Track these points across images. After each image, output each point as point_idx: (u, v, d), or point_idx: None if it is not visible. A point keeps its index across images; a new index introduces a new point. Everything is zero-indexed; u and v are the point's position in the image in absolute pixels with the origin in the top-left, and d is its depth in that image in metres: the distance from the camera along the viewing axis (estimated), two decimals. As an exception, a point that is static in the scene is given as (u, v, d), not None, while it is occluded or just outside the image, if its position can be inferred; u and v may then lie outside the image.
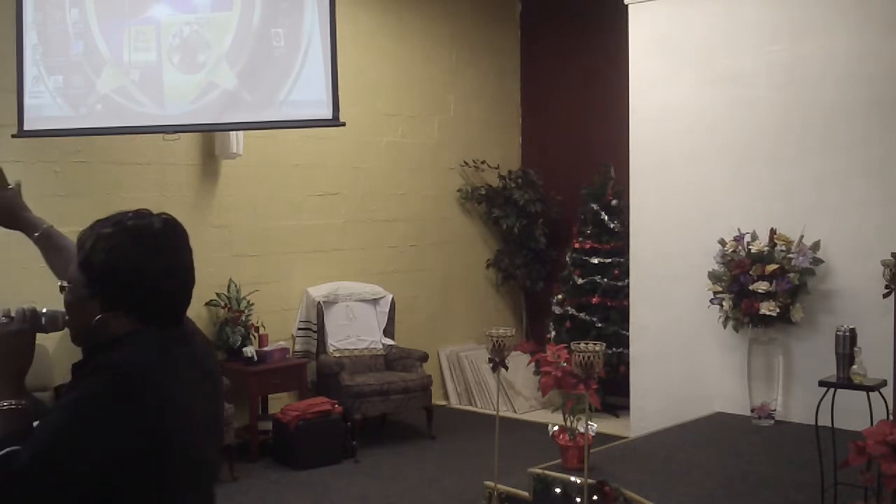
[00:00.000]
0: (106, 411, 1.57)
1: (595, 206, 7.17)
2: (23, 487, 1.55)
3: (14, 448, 1.58)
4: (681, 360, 6.03)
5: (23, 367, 1.73)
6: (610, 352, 6.62)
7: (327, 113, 5.15)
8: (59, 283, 1.79)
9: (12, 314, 1.75)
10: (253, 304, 6.32)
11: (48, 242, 2.20)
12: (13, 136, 5.30)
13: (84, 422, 1.57)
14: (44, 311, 1.79)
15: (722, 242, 5.63)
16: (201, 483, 1.76)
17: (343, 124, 5.27)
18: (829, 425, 3.83)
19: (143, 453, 1.59)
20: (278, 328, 6.63)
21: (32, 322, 1.76)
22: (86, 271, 1.70)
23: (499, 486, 4.42)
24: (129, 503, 1.61)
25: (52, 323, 1.80)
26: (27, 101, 5.28)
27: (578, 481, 4.17)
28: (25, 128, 5.31)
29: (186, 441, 1.66)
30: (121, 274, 1.68)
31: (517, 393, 7.51)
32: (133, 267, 1.68)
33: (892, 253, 4.49)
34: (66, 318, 1.78)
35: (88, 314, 1.70)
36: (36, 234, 2.22)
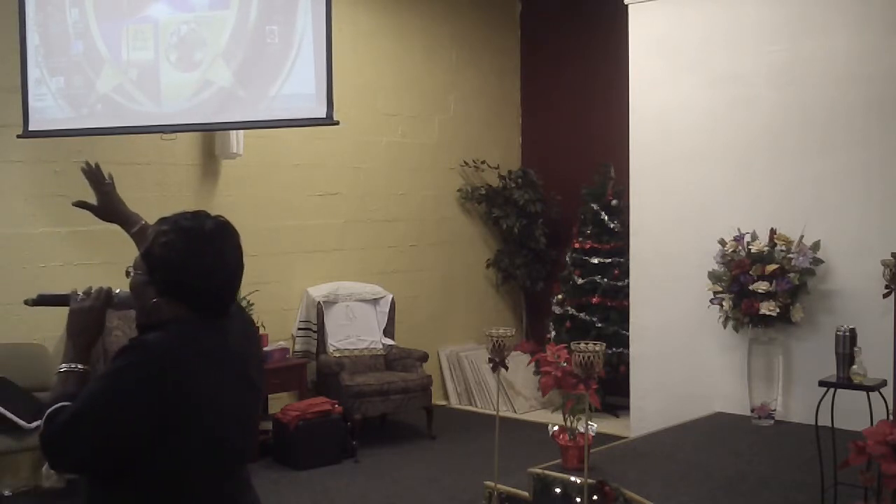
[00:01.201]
0: (129, 385, 1.79)
1: (595, 206, 7.17)
2: (59, 441, 1.82)
3: (65, 404, 1.84)
4: (681, 360, 6.03)
5: (93, 338, 2.02)
6: (610, 352, 6.62)
7: (321, 110, 5.14)
8: (126, 268, 2.01)
9: (89, 293, 2.03)
10: (253, 304, 6.31)
11: (144, 237, 2.33)
12: (18, 136, 5.31)
13: (110, 392, 1.80)
14: (117, 291, 2.05)
15: (722, 242, 5.63)
16: (224, 462, 1.92)
17: (337, 123, 5.26)
18: (829, 425, 3.83)
19: (160, 427, 1.79)
20: (278, 328, 6.62)
21: (105, 300, 2.03)
22: (146, 260, 1.93)
23: (499, 486, 4.42)
24: (148, 472, 1.81)
25: (124, 303, 2.04)
26: (32, 103, 5.31)
27: (578, 481, 4.17)
28: (30, 129, 5.32)
29: (206, 420, 1.84)
30: (171, 267, 1.89)
31: (517, 393, 7.51)
32: (182, 262, 1.89)
33: (892, 253, 4.49)
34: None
35: (147, 297, 1.92)
36: (133, 230, 2.47)
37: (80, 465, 1.87)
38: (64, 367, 1.95)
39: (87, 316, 2.01)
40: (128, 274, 1.99)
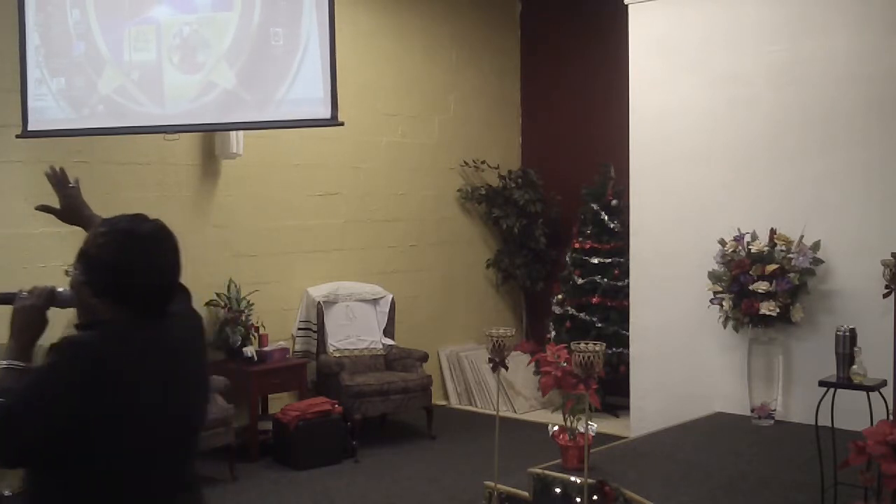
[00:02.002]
0: (58, 382, 1.84)
1: (595, 206, 7.17)
2: None
3: (2, 400, 1.86)
4: (681, 360, 6.03)
5: (34, 336, 2.03)
6: (610, 352, 6.62)
7: (326, 112, 5.15)
8: (65, 268, 2.05)
9: (33, 291, 2.05)
10: (253, 304, 6.32)
11: None
12: (17, 136, 5.30)
13: (40, 389, 1.85)
14: (61, 290, 2.06)
15: (722, 242, 5.63)
16: (155, 460, 1.94)
17: (342, 124, 5.27)
18: (829, 425, 3.83)
19: (89, 423, 1.82)
20: (278, 328, 6.63)
21: (47, 299, 2.05)
22: (81, 260, 1.98)
23: (499, 486, 4.42)
24: (79, 467, 1.85)
25: (66, 301, 2.05)
26: (31, 103, 5.29)
27: (578, 481, 4.17)
28: (29, 129, 5.32)
29: (134, 418, 1.87)
30: (105, 268, 1.94)
31: (517, 393, 7.51)
32: (115, 263, 1.94)
33: (892, 253, 4.50)
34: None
35: (84, 297, 1.97)
36: None
37: (15, 460, 1.92)
38: (4, 363, 1.98)
39: (29, 314, 2.03)
40: (67, 273, 2.04)
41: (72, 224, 2.55)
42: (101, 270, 1.94)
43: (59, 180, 2.57)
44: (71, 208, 2.54)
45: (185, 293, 2.19)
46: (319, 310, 6.71)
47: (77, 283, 1.98)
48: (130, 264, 1.94)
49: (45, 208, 2.59)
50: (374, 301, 6.99)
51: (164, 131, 5.43)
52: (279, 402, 6.41)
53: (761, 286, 5.36)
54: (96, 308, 1.94)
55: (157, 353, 1.95)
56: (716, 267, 5.63)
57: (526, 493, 4.44)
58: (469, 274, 8.14)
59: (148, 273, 1.95)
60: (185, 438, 2.04)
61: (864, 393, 3.93)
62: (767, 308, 5.35)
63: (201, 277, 6.25)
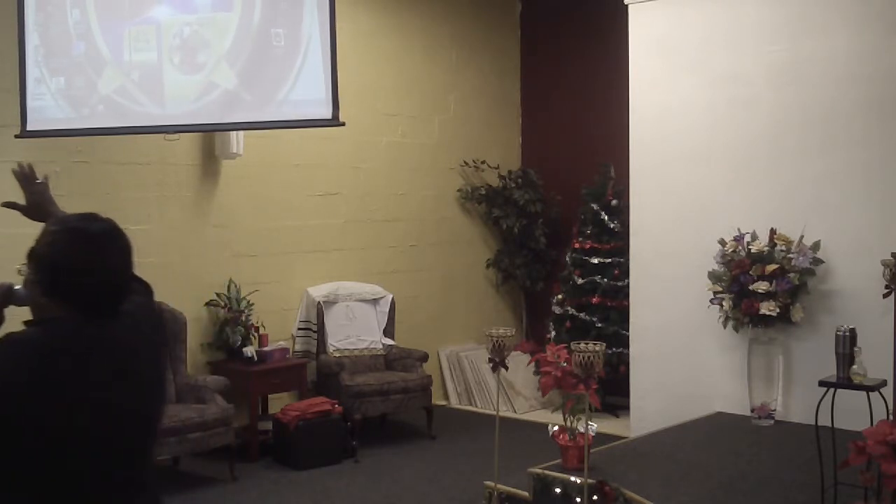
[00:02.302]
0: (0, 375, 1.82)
1: (595, 206, 7.17)
2: None
3: None
4: (681, 360, 6.04)
5: None
6: (610, 352, 6.62)
7: (327, 112, 5.15)
8: (18, 266, 2.05)
9: None
10: (253, 304, 6.32)
11: None
12: (16, 136, 5.30)
13: None
14: (17, 287, 2.05)
15: (722, 242, 5.63)
16: (97, 462, 1.90)
17: (343, 124, 5.27)
18: (829, 425, 3.84)
19: (28, 417, 1.79)
20: (278, 328, 6.63)
21: (3, 296, 2.04)
22: (30, 258, 1.97)
23: (499, 486, 4.42)
24: (18, 467, 1.81)
25: (23, 299, 2.03)
26: (30, 102, 5.29)
27: (578, 481, 4.17)
28: (28, 128, 5.31)
29: (73, 418, 1.83)
30: (53, 266, 1.93)
31: (517, 393, 7.51)
32: (63, 262, 1.92)
33: (892, 253, 4.50)
34: None
35: (36, 295, 1.96)
36: None
37: None
38: None
39: None
40: (19, 272, 2.03)
41: (39, 221, 2.46)
42: (49, 269, 1.92)
43: (25, 176, 2.55)
44: (37, 205, 2.52)
45: (145, 289, 2.18)
46: (319, 310, 6.71)
47: (28, 281, 1.97)
48: (78, 263, 1.92)
49: (11, 205, 2.57)
50: (374, 301, 6.99)
51: (165, 131, 5.43)
52: (279, 402, 6.41)
53: (761, 286, 5.36)
54: (46, 307, 1.93)
55: (105, 352, 1.93)
56: (716, 267, 5.63)
57: (526, 493, 4.44)
58: (469, 274, 8.14)
59: (96, 272, 1.93)
60: (136, 437, 2.01)
61: (864, 393, 3.93)
62: (767, 308, 5.35)
63: (201, 277, 6.26)
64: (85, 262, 1.93)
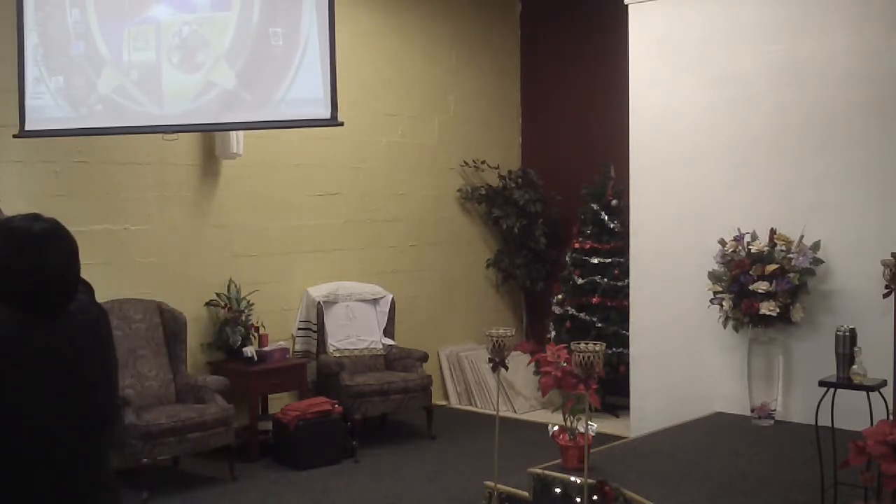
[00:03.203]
0: None
1: (595, 206, 7.17)
2: None
3: None
4: (681, 360, 6.03)
5: None
6: (610, 352, 6.62)
7: (325, 112, 5.15)
8: None
9: None
10: (253, 304, 6.32)
11: None
12: (14, 136, 5.30)
13: None
14: None
15: (722, 242, 5.63)
16: (32, 460, 1.91)
17: (341, 124, 5.26)
18: (829, 425, 3.83)
19: None
20: (278, 328, 6.62)
21: None
22: None
23: (499, 486, 4.42)
24: None
25: None
26: (29, 101, 5.28)
27: (578, 481, 4.17)
28: (27, 128, 5.31)
29: (21, 415, 1.87)
30: None
31: (517, 393, 7.51)
32: (2, 263, 1.92)
33: (892, 253, 4.49)
34: None
35: None
36: None
37: None
38: None
39: None
40: None
41: None
42: None
43: None
44: None
45: (86, 288, 2.17)
46: (319, 310, 6.71)
47: None
48: (17, 264, 1.92)
49: None
50: (374, 301, 6.99)
51: (164, 131, 5.43)
52: (279, 402, 6.40)
53: (761, 286, 5.36)
54: None
55: (48, 352, 1.92)
56: (716, 267, 5.63)
57: (526, 493, 4.44)
58: (469, 274, 8.14)
59: (36, 272, 1.92)
60: (85, 435, 2.01)
61: (864, 393, 3.93)
62: (767, 308, 5.35)
63: (201, 277, 6.26)
64: (25, 262, 1.92)
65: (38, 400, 1.89)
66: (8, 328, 1.90)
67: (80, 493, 1.99)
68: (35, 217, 1.99)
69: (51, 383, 1.92)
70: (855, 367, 4.01)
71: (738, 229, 5.60)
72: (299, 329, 6.82)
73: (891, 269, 4.43)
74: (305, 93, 5.15)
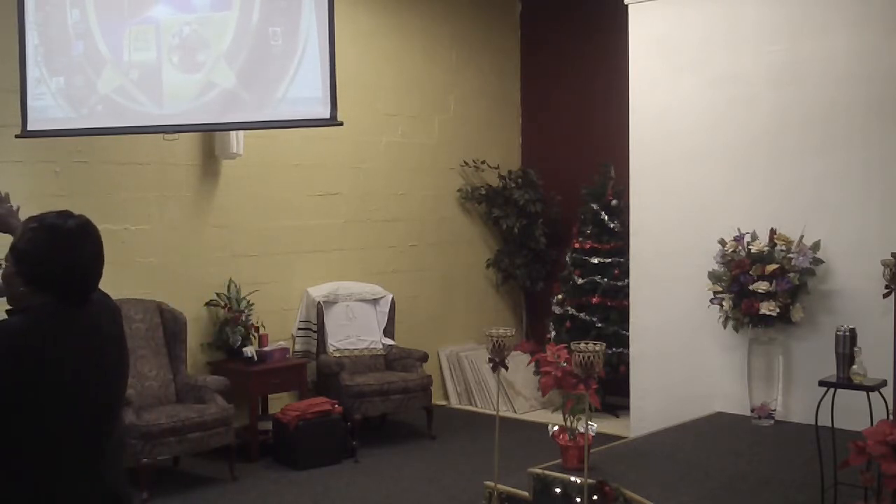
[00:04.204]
0: None
1: (595, 206, 7.17)
2: None
3: None
4: (681, 360, 6.03)
5: None
6: (610, 352, 6.62)
7: (325, 112, 5.15)
8: None
9: None
10: (253, 304, 6.32)
11: None
12: (16, 136, 5.30)
13: None
14: None
15: (722, 242, 5.63)
16: (80, 421, 2.14)
17: (341, 124, 5.27)
18: (829, 425, 3.83)
19: (16, 391, 2.02)
20: (278, 328, 6.62)
21: None
22: (13, 253, 2.18)
23: (499, 486, 4.42)
24: (12, 428, 2.04)
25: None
26: (30, 102, 5.29)
27: (578, 481, 4.17)
28: (29, 128, 5.31)
29: (58, 386, 2.08)
30: (34, 259, 2.15)
31: (517, 393, 7.51)
32: (44, 255, 2.15)
33: (892, 253, 4.49)
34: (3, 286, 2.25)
35: (14, 286, 2.17)
36: None
37: None
38: None
39: None
40: (0, 265, 2.25)
41: (4, 233, 2.68)
42: (30, 262, 2.14)
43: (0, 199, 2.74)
44: (4, 221, 2.69)
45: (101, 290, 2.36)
46: (319, 310, 6.71)
47: (8, 274, 2.17)
48: (57, 256, 2.15)
49: None
50: (374, 301, 6.99)
51: (164, 131, 5.43)
52: (279, 402, 6.40)
53: (761, 286, 5.36)
54: (26, 296, 2.14)
55: (80, 333, 2.16)
56: (716, 267, 5.63)
57: (526, 493, 4.44)
58: (469, 274, 8.14)
59: (72, 264, 2.16)
60: (103, 411, 2.21)
61: (864, 393, 3.93)
62: (767, 308, 5.35)
63: (201, 277, 6.26)
64: (63, 255, 2.15)
65: (67, 372, 2.09)
66: (44, 312, 2.11)
67: (96, 462, 2.19)
68: (68, 214, 2.22)
69: (78, 359, 2.13)
70: (855, 367, 4.01)
71: (738, 229, 5.60)
72: (299, 329, 6.82)
73: (891, 269, 4.42)
74: (305, 92, 5.16)
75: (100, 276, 2.25)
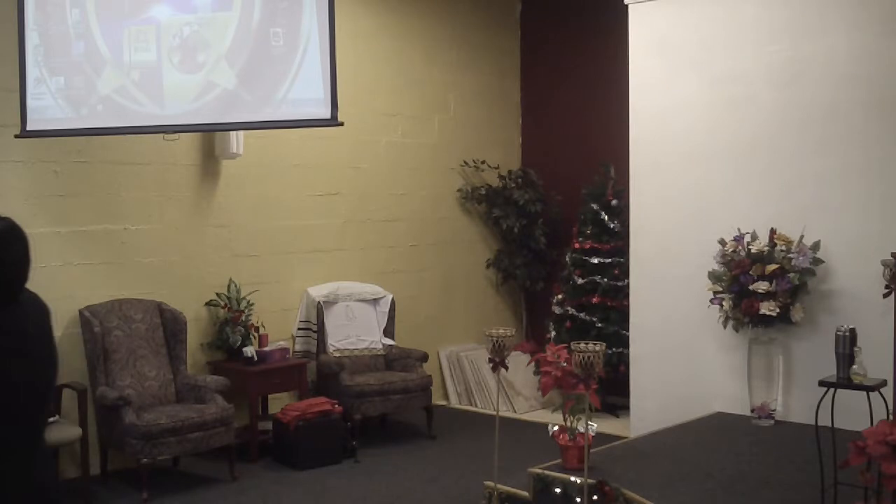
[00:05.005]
0: None
1: (595, 206, 7.17)
2: None
3: None
4: (681, 360, 6.04)
5: None
6: (610, 352, 6.62)
7: (326, 112, 5.15)
8: None
9: None
10: (253, 304, 6.33)
11: None
12: (16, 136, 5.30)
13: None
14: None
15: (722, 242, 5.63)
16: (8, 422, 2.18)
17: (341, 124, 5.27)
18: (829, 425, 3.83)
19: None
20: (278, 328, 6.63)
21: None
22: None
23: (499, 486, 4.42)
24: None
25: None
26: (30, 102, 5.29)
27: (578, 481, 4.17)
28: (28, 128, 5.32)
29: None
30: None
31: (517, 393, 7.51)
32: None
33: (892, 253, 4.49)
34: None
35: None
36: None
37: None
38: None
39: None
40: None
41: None
42: None
43: None
44: None
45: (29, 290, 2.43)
46: (319, 310, 6.71)
47: None
48: None
49: None
50: (374, 301, 6.99)
51: (164, 131, 5.43)
52: (279, 402, 6.41)
53: (761, 286, 5.36)
54: None
55: (6, 333, 2.20)
56: (716, 267, 5.63)
57: (526, 493, 4.44)
58: (469, 274, 8.14)
59: (1, 264, 2.21)
60: (34, 406, 2.27)
61: (864, 393, 3.93)
62: (767, 308, 5.35)
63: (201, 277, 6.26)
64: None
65: (9, 372, 2.16)
66: None
67: (30, 455, 2.26)
68: None
69: (14, 361, 2.19)
70: (855, 367, 4.01)
71: (738, 229, 5.60)
72: (299, 329, 6.82)
73: (891, 269, 4.42)
74: (306, 93, 5.16)
75: (27, 277, 2.29)
